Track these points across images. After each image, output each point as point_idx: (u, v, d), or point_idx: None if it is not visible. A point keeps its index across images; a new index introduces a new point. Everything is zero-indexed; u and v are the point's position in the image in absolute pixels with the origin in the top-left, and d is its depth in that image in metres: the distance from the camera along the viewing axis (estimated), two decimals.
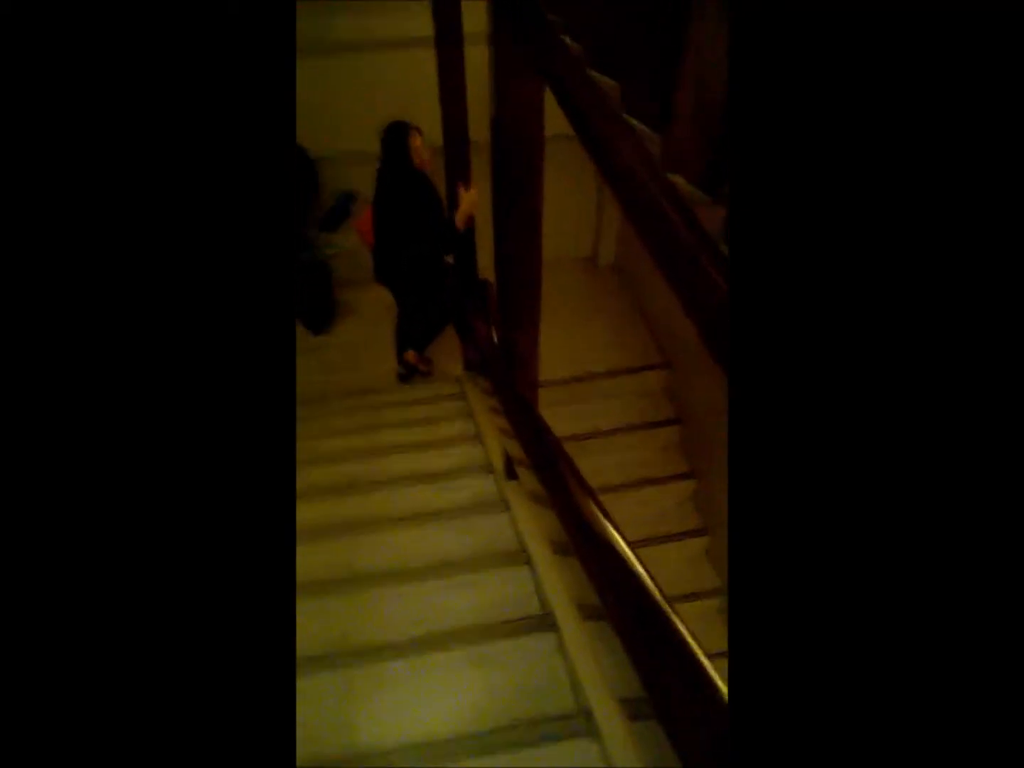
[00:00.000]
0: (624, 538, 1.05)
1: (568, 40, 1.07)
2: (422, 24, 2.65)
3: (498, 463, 2.16)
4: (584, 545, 1.19)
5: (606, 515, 1.13)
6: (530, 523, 1.82)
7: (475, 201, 2.75)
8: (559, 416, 3.68)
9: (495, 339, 2.07)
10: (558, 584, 1.58)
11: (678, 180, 0.71)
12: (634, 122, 0.79)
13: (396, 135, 2.74)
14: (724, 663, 0.56)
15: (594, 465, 3.55)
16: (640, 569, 0.99)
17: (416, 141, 2.75)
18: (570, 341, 3.83)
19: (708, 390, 3.26)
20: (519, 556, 1.72)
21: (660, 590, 0.97)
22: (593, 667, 1.32)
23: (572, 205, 4.16)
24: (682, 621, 0.93)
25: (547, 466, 1.38)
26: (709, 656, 0.88)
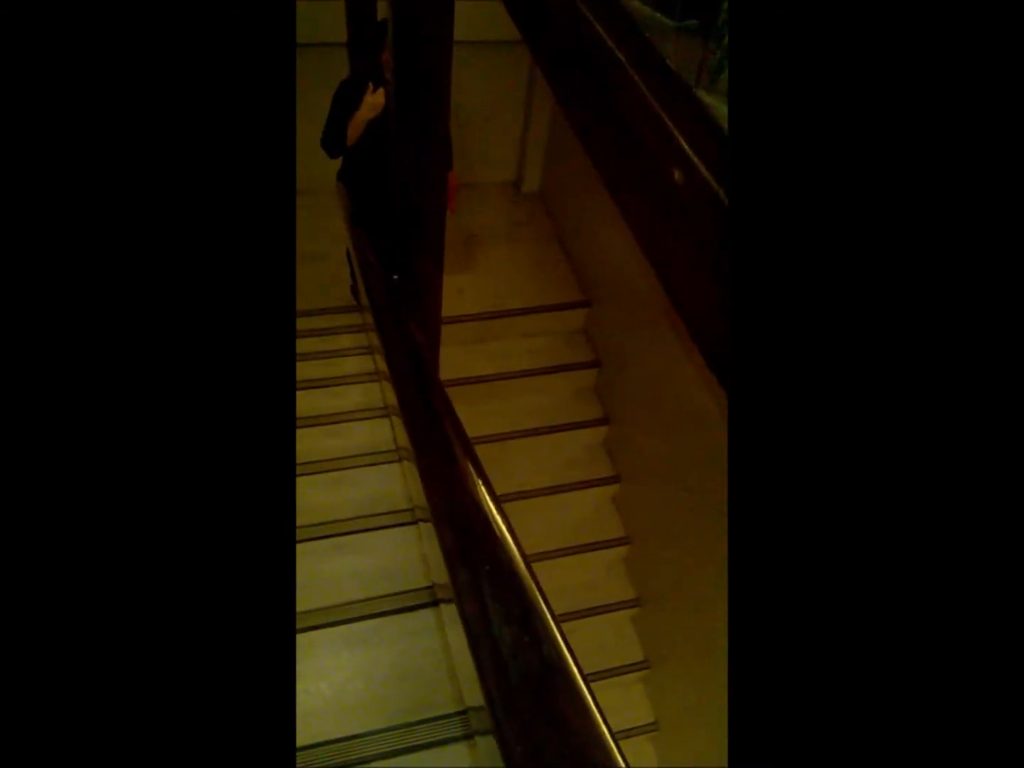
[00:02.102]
0: (501, 516, 0.82)
1: None
2: None
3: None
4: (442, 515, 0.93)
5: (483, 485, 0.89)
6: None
7: (377, 105, 2.37)
8: (471, 355, 3.45)
9: (379, 268, 1.77)
10: None
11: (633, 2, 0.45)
12: None
13: (379, 32, 2.35)
14: None
15: (506, 408, 3.37)
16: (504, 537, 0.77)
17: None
18: (487, 274, 3.57)
19: (628, 331, 3.09)
20: (407, 515, 1.50)
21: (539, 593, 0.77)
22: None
23: (496, 124, 3.82)
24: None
25: (417, 416, 1.13)
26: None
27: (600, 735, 0.73)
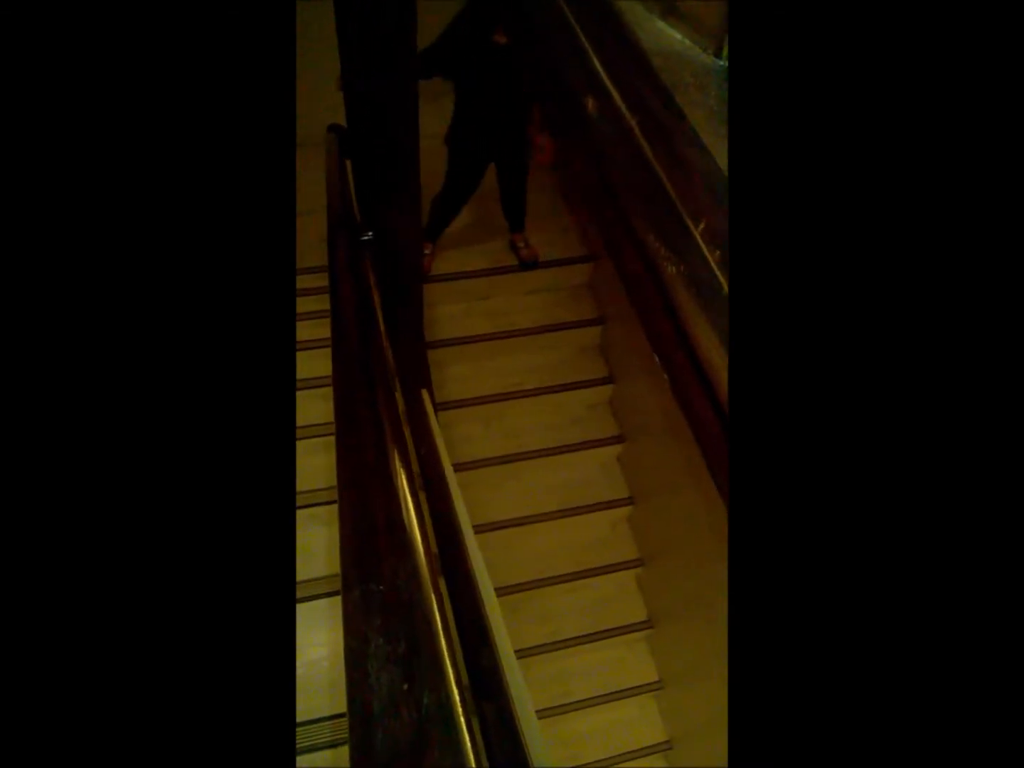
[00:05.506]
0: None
1: None
2: None
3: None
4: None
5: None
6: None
7: None
8: (473, 313, 3.36)
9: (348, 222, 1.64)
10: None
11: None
12: None
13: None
14: None
15: (509, 366, 3.30)
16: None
17: None
18: (483, 221, 3.43)
19: None
20: None
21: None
22: None
23: None
24: None
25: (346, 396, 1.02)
26: None
27: None
